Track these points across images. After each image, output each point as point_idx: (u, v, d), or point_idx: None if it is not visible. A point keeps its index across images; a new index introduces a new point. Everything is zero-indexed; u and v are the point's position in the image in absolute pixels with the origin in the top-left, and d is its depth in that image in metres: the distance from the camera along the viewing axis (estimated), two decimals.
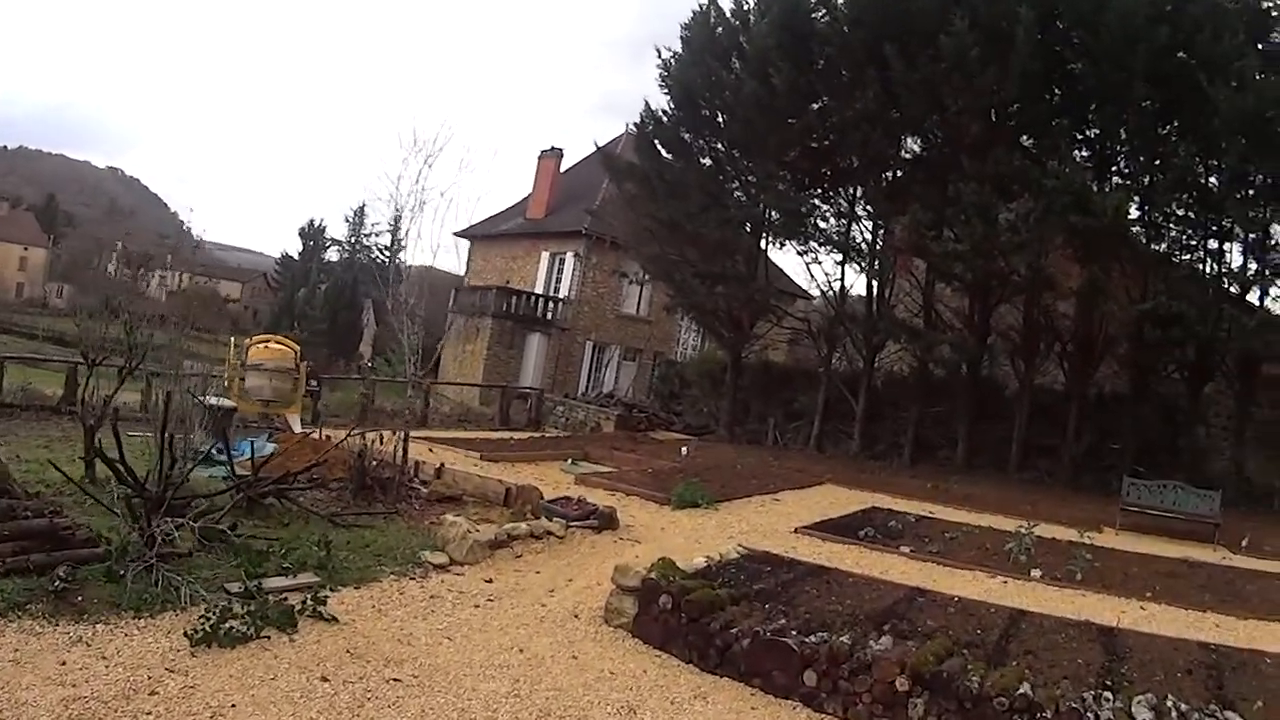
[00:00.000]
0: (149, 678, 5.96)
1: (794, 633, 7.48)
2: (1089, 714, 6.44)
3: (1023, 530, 13.72)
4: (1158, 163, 23.58)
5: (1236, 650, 9.53)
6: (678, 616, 7.91)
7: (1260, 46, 21.91)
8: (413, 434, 14.98)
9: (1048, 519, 17.62)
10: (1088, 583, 12.41)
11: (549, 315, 39.98)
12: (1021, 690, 6.55)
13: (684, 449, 23.32)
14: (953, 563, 13.03)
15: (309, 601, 7.52)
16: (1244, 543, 17.68)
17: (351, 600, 8.18)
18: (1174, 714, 6.64)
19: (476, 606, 8.58)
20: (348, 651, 6.90)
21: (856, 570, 11.47)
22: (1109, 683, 7.55)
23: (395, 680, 6.49)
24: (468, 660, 7.11)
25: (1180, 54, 21.70)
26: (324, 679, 6.32)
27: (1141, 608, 11.57)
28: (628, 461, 20.22)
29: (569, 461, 19.34)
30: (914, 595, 10.07)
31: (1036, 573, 12.69)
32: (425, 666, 6.84)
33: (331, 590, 8.17)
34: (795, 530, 14.25)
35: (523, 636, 7.85)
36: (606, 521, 12.59)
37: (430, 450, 17.33)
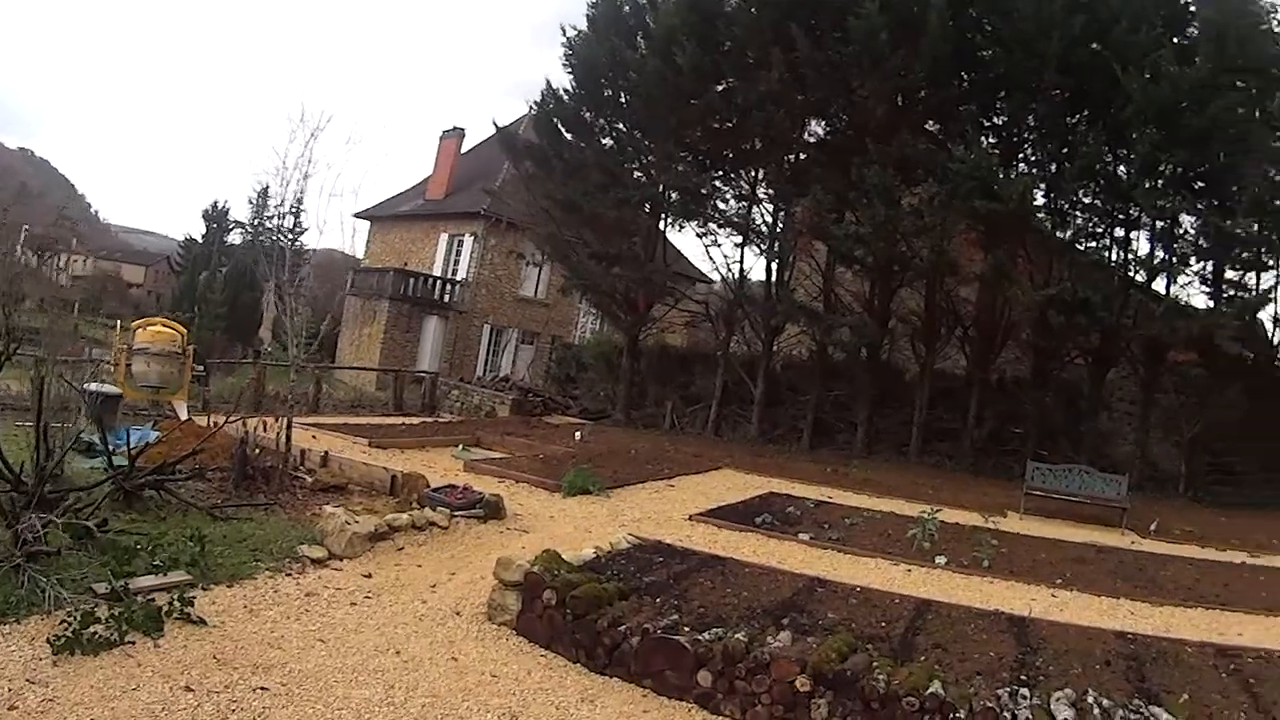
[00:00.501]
0: (9, 690, 5.55)
1: (687, 629, 7.08)
2: (1005, 713, 6.19)
3: (926, 516, 13.50)
4: (1066, 150, 23.80)
5: (1155, 639, 9.42)
6: (563, 613, 7.40)
7: (1175, 40, 22.33)
8: (303, 420, 14.52)
9: (951, 504, 17.68)
10: (996, 570, 12.28)
11: (447, 298, 39.38)
12: (932, 689, 6.27)
13: (578, 434, 22.86)
14: (854, 550, 12.73)
15: (176, 602, 6.96)
16: (1153, 527, 17.88)
17: (223, 600, 7.59)
18: (1096, 710, 6.44)
19: (353, 604, 8.01)
20: (214, 657, 6.38)
21: (753, 560, 11.07)
22: (1024, 678, 7.31)
23: (263, 689, 5.98)
24: (340, 665, 6.57)
25: (1094, 44, 21.95)
26: (188, 689, 5.84)
27: (1052, 595, 11.48)
28: (520, 447, 19.71)
29: (460, 448, 18.72)
30: (814, 585, 9.69)
31: (941, 560, 12.46)
32: (295, 673, 6.31)
33: (203, 589, 7.62)
34: (690, 517, 13.78)
35: (400, 637, 7.31)
36: (493, 510, 11.99)
37: (313, 437, 16.62)
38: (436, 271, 40.48)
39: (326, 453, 14.32)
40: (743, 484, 18.15)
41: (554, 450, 19.35)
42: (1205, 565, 15.13)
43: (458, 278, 39.92)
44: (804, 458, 24.08)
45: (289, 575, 8.56)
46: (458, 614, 8.05)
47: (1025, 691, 6.64)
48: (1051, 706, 6.39)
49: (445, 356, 37.81)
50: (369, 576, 8.86)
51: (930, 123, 25.37)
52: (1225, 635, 10.40)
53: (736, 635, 6.83)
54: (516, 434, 21.68)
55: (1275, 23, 23.11)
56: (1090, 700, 6.58)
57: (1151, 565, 14.29)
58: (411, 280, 38.93)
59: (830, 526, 14.04)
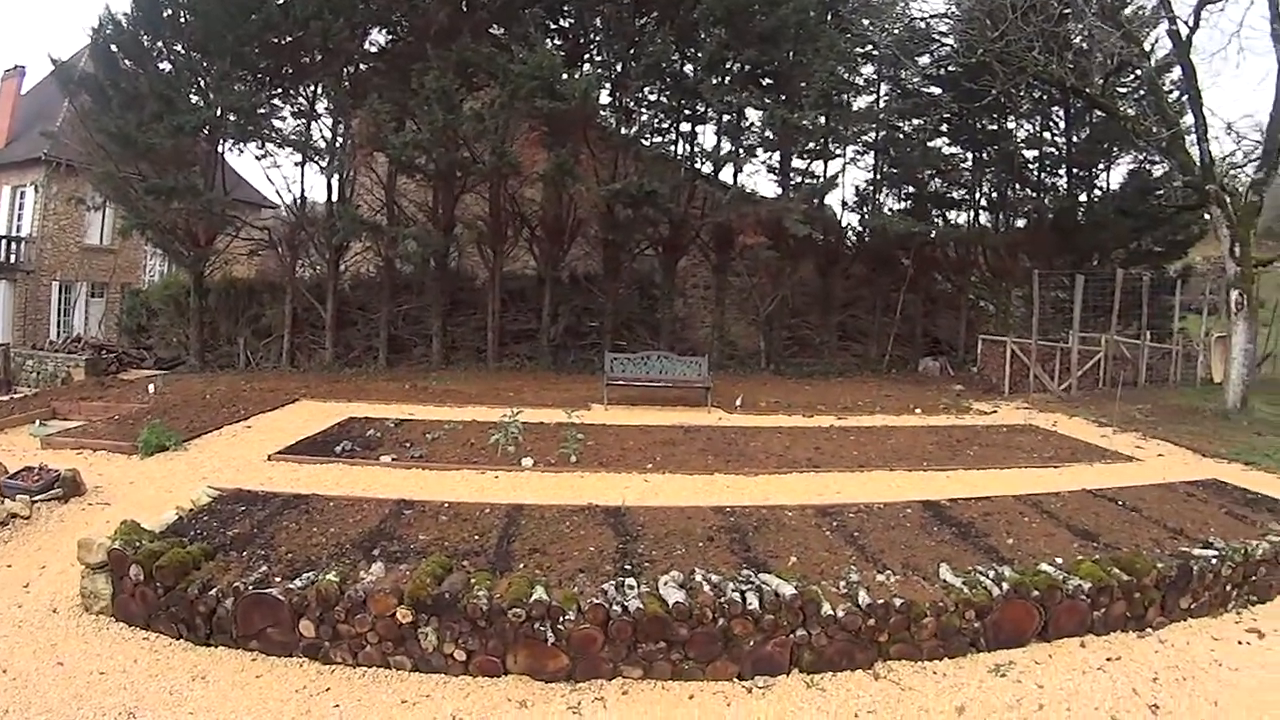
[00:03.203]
0: None
1: (279, 580, 6.76)
2: (615, 606, 6.35)
3: (507, 419, 13.61)
4: (633, 51, 24.28)
5: (755, 508, 9.90)
6: (153, 587, 6.86)
7: None
8: None
9: (534, 404, 18.04)
10: (585, 464, 12.57)
11: (13, 259, 35.00)
12: (536, 596, 6.37)
13: (151, 386, 21.37)
14: (439, 465, 12.69)
15: None
16: (738, 402, 18.97)
17: None
18: (706, 587, 6.67)
19: None
20: None
21: (337, 492, 10.66)
22: (629, 567, 7.50)
23: None
24: None
25: None
26: None
27: (645, 481, 11.83)
28: (96, 411, 17.98)
29: (37, 424, 17.02)
30: (401, 509, 9.37)
31: (529, 462, 12.63)
32: None
33: None
34: (269, 458, 13.16)
35: (4, 651, 6.55)
36: (72, 487, 10.89)
37: None
38: (0, 230, 35.85)
39: None
40: (321, 413, 17.51)
41: (129, 409, 17.77)
42: (795, 432, 16.17)
43: (22, 235, 35.56)
44: (382, 377, 23.68)
45: None
46: (55, 611, 7.29)
47: (631, 581, 6.80)
48: (661, 591, 6.60)
49: (18, 324, 34.02)
50: None
51: (495, 27, 25.15)
52: (824, 495, 11.22)
53: (328, 577, 6.62)
54: (91, 398, 19.74)
55: None
56: (699, 579, 6.84)
57: (741, 439, 15.04)
58: None
59: (413, 445, 13.89)
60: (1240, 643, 7.57)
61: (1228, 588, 8.24)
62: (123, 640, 6.78)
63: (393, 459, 12.91)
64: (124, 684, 6.11)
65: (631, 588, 6.65)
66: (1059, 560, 8.00)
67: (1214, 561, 8.11)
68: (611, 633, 6.29)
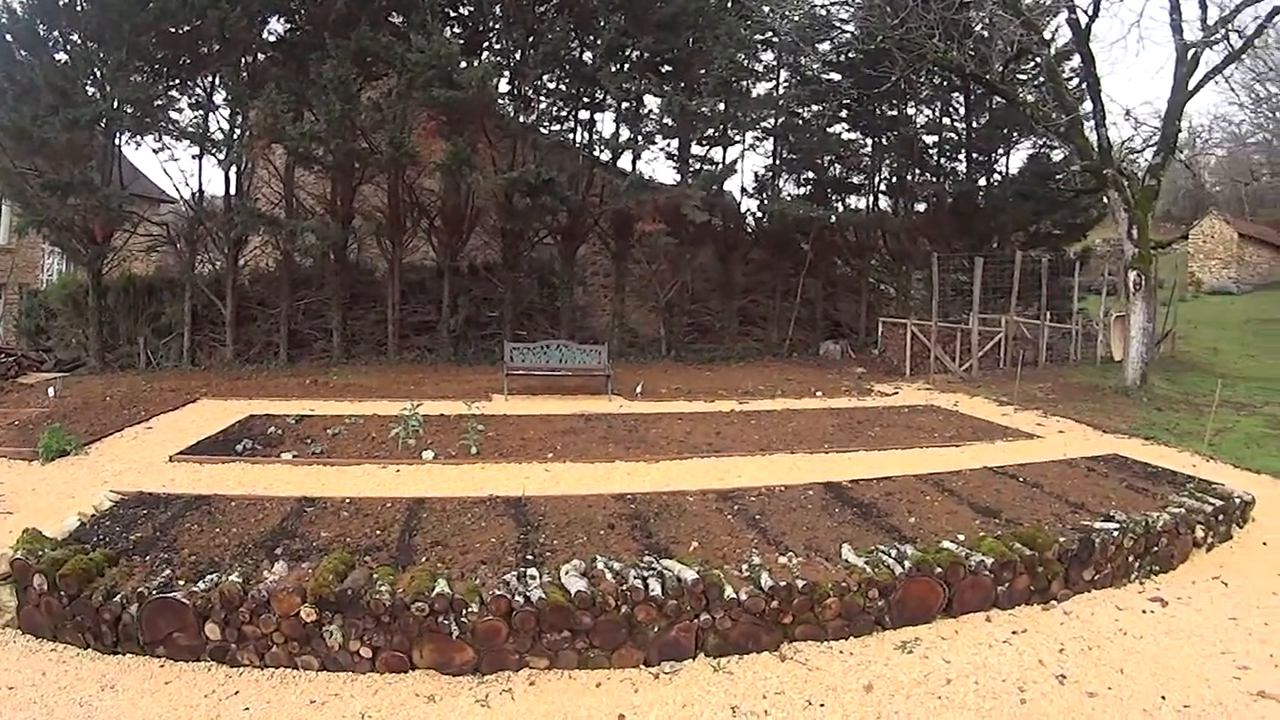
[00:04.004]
0: None
1: (183, 583, 6.66)
2: (518, 597, 6.39)
3: (407, 412, 13.55)
4: (531, 39, 24.21)
5: (656, 494, 10.03)
6: (58, 596, 6.74)
7: None
8: None
9: (434, 396, 17.91)
10: (486, 455, 12.60)
11: None
12: (438, 589, 6.37)
13: (51, 389, 20.90)
14: (340, 461, 12.56)
15: None
16: (638, 389, 19.07)
17: None
18: (609, 575, 6.76)
19: None
20: None
21: (240, 491, 10.50)
22: (531, 557, 7.56)
23: None
24: None
25: None
26: None
27: (546, 470, 11.88)
28: None
29: None
30: (303, 506, 9.30)
31: (429, 454, 12.62)
32: None
33: None
34: (171, 459, 12.86)
35: None
36: None
37: None
38: None
39: None
40: (223, 412, 17.02)
41: (28, 413, 17.33)
42: (696, 418, 16.29)
43: None
44: (284, 373, 23.31)
45: None
46: None
47: (534, 571, 6.83)
48: (563, 580, 6.66)
49: None
50: None
51: (394, 15, 24.80)
52: (725, 480, 11.34)
53: (231, 578, 6.54)
54: None
55: None
56: (601, 566, 6.91)
57: (642, 425, 15.15)
58: None
59: (314, 441, 13.66)
60: (1144, 611, 7.89)
61: (1130, 559, 8.57)
62: (30, 653, 6.68)
63: (294, 456, 12.75)
64: (34, 698, 6.03)
65: (534, 578, 6.68)
66: (961, 537, 8.24)
67: (1115, 534, 8.43)
68: (515, 624, 6.31)
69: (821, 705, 6.05)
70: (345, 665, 6.34)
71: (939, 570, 7.40)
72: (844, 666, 6.60)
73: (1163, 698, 6.31)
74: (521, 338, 24.49)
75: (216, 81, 25.55)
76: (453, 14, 25.70)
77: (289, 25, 25.88)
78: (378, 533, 8.36)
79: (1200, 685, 6.50)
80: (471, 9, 25.69)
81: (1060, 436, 15.82)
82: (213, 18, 22.47)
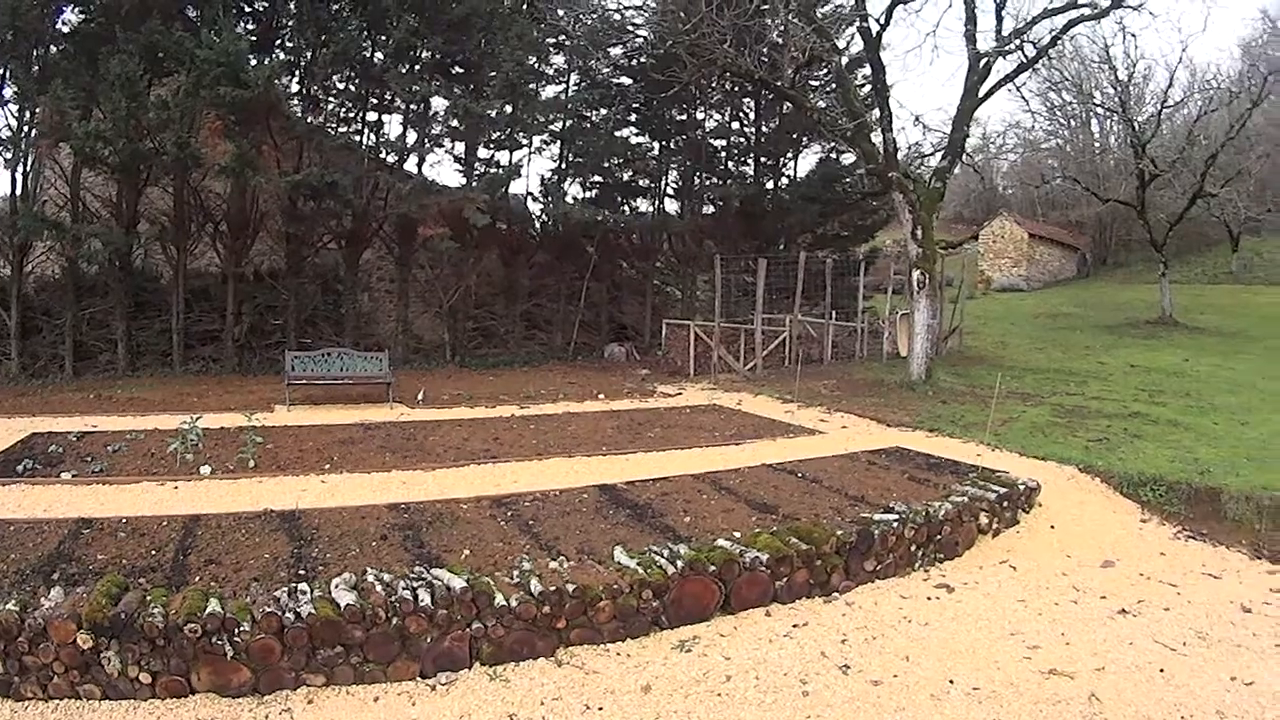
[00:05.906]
0: None
1: None
2: (288, 613, 6.32)
3: (186, 426, 13.04)
4: (323, 37, 23.93)
5: (430, 503, 10.11)
6: None
7: None
8: None
9: (217, 408, 17.45)
10: (262, 468, 12.25)
11: None
12: (210, 609, 6.21)
13: None
14: (119, 479, 11.65)
15: None
16: (420, 397, 18.99)
17: None
18: (379, 587, 6.76)
19: None
20: None
21: (20, 515, 9.67)
22: (303, 572, 7.57)
23: None
24: None
25: None
26: None
27: (322, 481, 11.70)
28: None
29: None
30: (80, 528, 8.84)
31: (207, 469, 12.24)
32: None
33: None
34: None
35: None
36: None
37: None
38: None
39: None
40: (4, 430, 15.76)
41: None
42: (475, 424, 16.33)
43: None
44: (69, 387, 22.07)
45: None
46: None
47: (305, 586, 6.75)
48: (333, 593, 6.61)
49: None
50: None
51: (188, 9, 23.96)
52: (501, 486, 11.49)
53: (8, 606, 6.11)
54: None
55: None
56: (371, 578, 6.91)
57: (421, 433, 15.13)
58: None
59: (94, 459, 12.93)
60: (930, 599, 8.34)
61: (913, 548, 9.12)
62: None
63: (74, 475, 12.13)
64: None
65: (304, 593, 6.61)
66: (737, 534, 8.52)
67: (895, 524, 8.91)
68: (288, 640, 6.23)
69: (600, 709, 6.16)
70: (126, 693, 6.11)
71: (713, 568, 7.61)
72: (622, 669, 6.75)
73: (951, 682, 6.55)
74: (306, 345, 24.04)
75: (6, 75, 24.48)
76: (247, 9, 25.20)
77: (83, 15, 24.89)
78: (153, 553, 8.14)
79: (990, 667, 6.81)
80: (266, 4, 25.19)
81: (843, 432, 16.32)
82: (4, 6, 21.37)
